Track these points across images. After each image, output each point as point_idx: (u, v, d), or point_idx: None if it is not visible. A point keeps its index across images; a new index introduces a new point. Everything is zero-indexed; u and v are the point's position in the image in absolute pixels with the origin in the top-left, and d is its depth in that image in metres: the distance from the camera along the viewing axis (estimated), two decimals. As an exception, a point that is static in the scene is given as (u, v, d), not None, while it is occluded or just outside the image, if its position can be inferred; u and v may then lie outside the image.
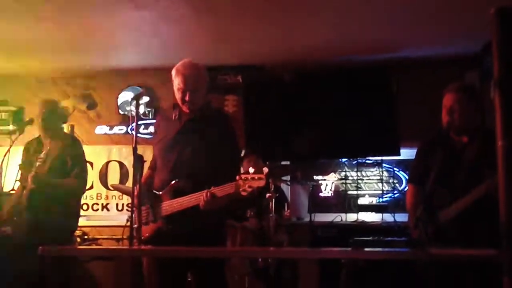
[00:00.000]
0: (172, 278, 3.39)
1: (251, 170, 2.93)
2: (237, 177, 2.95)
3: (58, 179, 4.30)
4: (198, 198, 3.15)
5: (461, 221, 3.16)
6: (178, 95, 3.38)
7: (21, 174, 4.56)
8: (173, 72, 3.40)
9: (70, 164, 4.35)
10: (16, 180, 4.70)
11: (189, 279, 3.64)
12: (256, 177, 2.92)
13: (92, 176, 6.24)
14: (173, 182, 3.29)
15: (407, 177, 5.67)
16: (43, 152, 4.27)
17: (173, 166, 3.35)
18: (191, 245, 3.00)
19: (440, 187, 3.16)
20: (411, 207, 3.47)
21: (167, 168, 3.38)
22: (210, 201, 3.10)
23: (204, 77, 3.45)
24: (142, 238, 3.36)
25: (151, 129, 6.30)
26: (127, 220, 3.45)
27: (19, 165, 4.63)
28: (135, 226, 3.12)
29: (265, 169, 2.93)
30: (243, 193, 2.93)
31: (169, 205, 3.29)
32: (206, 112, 3.43)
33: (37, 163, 4.10)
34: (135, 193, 3.09)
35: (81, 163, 4.47)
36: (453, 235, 3.13)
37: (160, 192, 3.35)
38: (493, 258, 2.35)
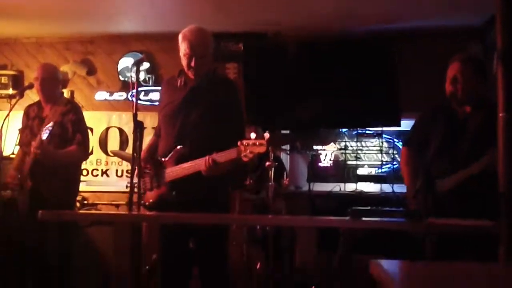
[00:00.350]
0: (174, 245, 3.41)
1: (253, 135, 2.94)
2: (239, 143, 2.96)
3: (60, 148, 4.29)
4: (200, 164, 3.16)
5: (458, 194, 3.17)
6: (184, 61, 3.37)
7: (21, 139, 4.56)
8: (180, 37, 3.37)
9: (71, 130, 4.35)
10: (16, 145, 4.71)
11: (191, 246, 3.67)
12: (257, 143, 2.93)
13: (92, 142, 6.23)
14: (177, 148, 3.29)
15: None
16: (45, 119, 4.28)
17: (177, 132, 3.35)
18: (194, 212, 3.02)
19: (441, 157, 3.16)
20: (409, 174, 3.47)
21: (172, 134, 3.38)
22: (212, 167, 3.11)
23: (211, 43, 3.43)
24: (146, 204, 3.40)
25: (151, 95, 6.29)
26: (127, 186, 3.46)
27: (19, 129, 4.63)
28: (137, 192, 3.15)
29: (266, 135, 2.93)
30: (244, 159, 2.94)
31: (172, 171, 3.30)
32: (212, 79, 3.42)
33: (43, 133, 4.07)
34: (135, 159, 3.10)
35: (82, 129, 4.47)
36: (450, 207, 3.14)
37: (164, 158, 3.36)
38: (489, 229, 2.37)
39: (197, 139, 3.28)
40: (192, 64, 3.31)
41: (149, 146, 3.59)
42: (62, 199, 4.33)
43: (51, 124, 4.03)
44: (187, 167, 3.23)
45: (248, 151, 2.93)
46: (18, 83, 6.41)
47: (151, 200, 3.39)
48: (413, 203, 3.21)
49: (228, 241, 3.66)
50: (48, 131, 4.00)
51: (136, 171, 3.20)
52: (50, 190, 4.27)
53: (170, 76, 3.67)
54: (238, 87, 3.72)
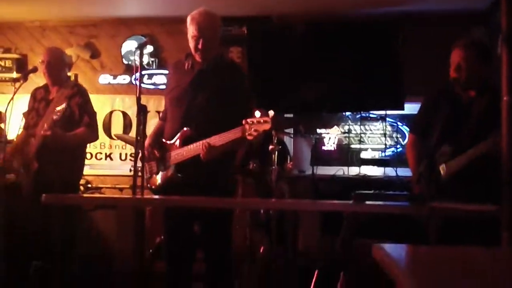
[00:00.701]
0: (178, 228, 3.43)
1: (257, 114, 2.94)
2: (243, 121, 2.95)
3: (67, 131, 4.29)
4: (198, 147, 3.17)
5: (463, 177, 3.16)
6: (191, 43, 3.38)
7: (26, 121, 4.56)
8: (188, 19, 3.38)
9: (78, 113, 4.35)
10: (20, 128, 4.71)
11: (195, 230, 3.69)
12: (262, 121, 2.93)
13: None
14: (183, 130, 3.30)
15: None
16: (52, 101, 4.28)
17: (183, 114, 3.36)
18: (200, 194, 3.03)
19: (445, 141, 3.16)
20: (413, 159, 3.48)
21: (178, 117, 3.39)
22: (208, 150, 3.11)
23: (219, 27, 3.44)
24: (153, 187, 3.41)
25: (155, 79, 6.27)
26: (130, 170, 3.48)
27: (23, 113, 4.63)
28: (140, 175, 3.15)
29: (271, 112, 2.93)
30: (249, 137, 2.95)
31: (178, 154, 3.31)
32: (219, 63, 3.43)
33: (54, 115, 4.06)
34: (138, 142, 3.11)
35: (90, 111, 4.47)
36: (455, 190, 3.14)
37: (170, 141, 3.37)
38: (492, 213, 2.37)
39: (203, 122, 3.28)
40: (200, 46, 3.32)
41: (155, 130, 3.60)
42: (68, 181, 4.34)
43: (63, 105, 4.03)
44: (191, 149, 3.24)
45: (252, 129, 2.92)
46: (22, 67, 6.41)
47: (157, 183, 3.41)
48: (417, 188, 3.22)
49: (232, 225, 3.68)
50: (60, 114, 4.01)
51: (139, 155, 3.22)
52: (56, 172, 4.27)
53: (177, 59, 3.67)
54: (244, 71, 3.72)
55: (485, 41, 5.07)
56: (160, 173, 3.41)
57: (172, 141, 3.36)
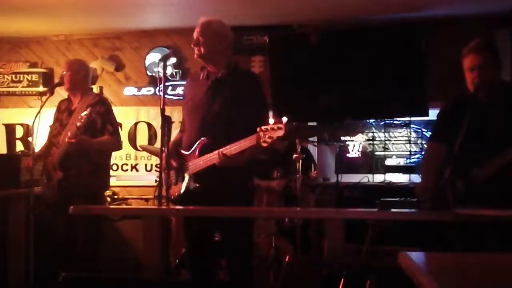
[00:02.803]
0: (199, 238, 3.45)
1: (271, 121, 2.94)
2: (258, 129, 2.96)
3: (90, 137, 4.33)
4: (214, 156, 3.20)
5: (497, 182, 3.12)
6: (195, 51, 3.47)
7: (50, 132, 4.63)
8: None
9: (100, 122, 4.38)
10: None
11: (216, 239, 3.71)
12: (275, 127, 2.92)
13: (122, 137, 6.31)
14: (201, 139, 3.32)
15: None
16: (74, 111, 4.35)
17: (199, 124, 3.39)
18: (219, 203, 3.04)
19: (470, 146, 3.13)
20: (431, 167, 3.44)
21: (194, 126, 3.42)
22: (223, 160, 3.13)
23: (223, 35, 3.45)
24: (172, 197, 3.44)
25: (179, 90, 6.32)
26: (156, 181, 3.51)
27: (50, 126, 4.70)
28: (164, 186, 3.18)
29: (284, 119, 2.91)
30: (264, 144, 2.94)
31: (195, 164, 3.34)
32: (233, 72, 3.45)
33: (77, 122, 4.12)
34: (163, 154, 3.14)
35: (112, 120, 4.51)
36: (490, 196, 3.10)
37: (189, 151, 3.40)
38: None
39: (219, 130, 3.30)
40: (197, 51, 3.37)
41: (174, 140, 3.63)
42: (92, 191, 4.39)
43: (86, 112, 4.08)
44: (208, 158, 3.26)
45: (267, 136, 2.92)
46: (48, 81, 6.52)
47: (176, 194, 3.44)
48: (422, 196, 3.17)
49: (253, 232, 3.68)
50: (83, 120, 4.06)
51: (164, 166, 3.25)
52: (80, 178, 4.32)
53: (195, 71, 3.73)
54: (260, 79, 3.73)
55: (508, 45, 5.04)
56: (179, 183, 3.44)
57: (190, 151, 3.38)
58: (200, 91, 3.46)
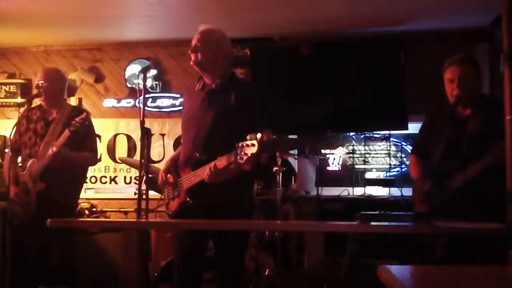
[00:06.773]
0: (190, 251, 3.41)
1: (248, 137, 2.90)
2: (236, 145, 2.93)
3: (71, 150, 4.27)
4: (205, 171, 3.17)
5: (467, 193, 3.15)
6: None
7: (24, 142, 4.45)
8: None
9: (82, 135, 4.28)
10: (7, 149, 4.63)
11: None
12: (249, 144, 2.87)
13: (100, 149, 6.25)
14: (194, 154, 3.30)
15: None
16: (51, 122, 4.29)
17: (193, 138, 3.36)
18: (212, 217, 3.02)
19: (447, 158, 3.16)
20: (418, 178, 3.48)
21: (189, 140, 3.40)
22: (213, 173, 3.10)
23: (219, 44, 3.42)
24: (169, 212, 3.43)
25: (159, 102, 6.30)
26: (135, 193, 3.47)
27: (14, 133, 4.50)
28: (145, 198, 3.15)
29: (259, 135, 2.87)
30: (240, 161, 2.90)
31: (188, 179, 3.31)
32: (228, 83, 3.41)
33: (64, 134, 4.09)
34: (143, 166, 3.11)
35: (92, 134, 4.47)
36: (460, 207, 3.12)
37: (184, 166, 3.38)
38: (498, 232, 2.35)
39: (211, 143, 3.27)
40: (192, 58, 3.35)
41: (173, 155, 3.64)
42: (70, 201, 4.35)
43: (73, 123, 4.05)
44: (198, 174, 3.23)
45: (242, 153, 2.89)
46: (27, 92, 6.44)
47: (173, 209, 3.42)
48: (419, 205, 3.21)
49: (248, 247, 3.66)
50: (69, 132, 4.03)
51: (144, 178, 3.21)
52: (60, 188, 4.25)
53: (190, 83, 3.69)
54: (256, 90, 3.69)
55: (486, 60, 5.10)
56: (175, 198, 3.42)
57: (184, 166, 3.37)
58: (195, 103, 3.44)
